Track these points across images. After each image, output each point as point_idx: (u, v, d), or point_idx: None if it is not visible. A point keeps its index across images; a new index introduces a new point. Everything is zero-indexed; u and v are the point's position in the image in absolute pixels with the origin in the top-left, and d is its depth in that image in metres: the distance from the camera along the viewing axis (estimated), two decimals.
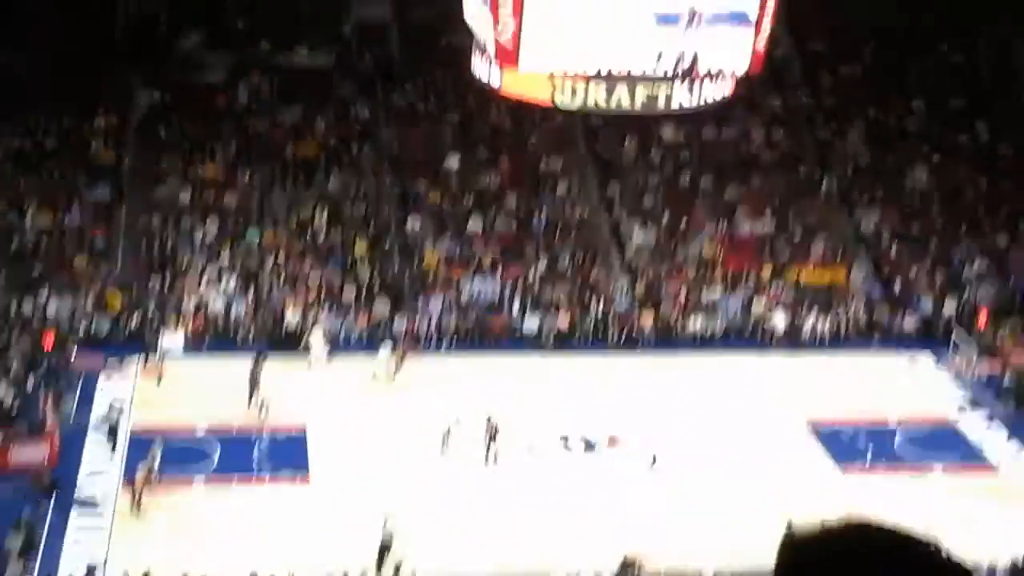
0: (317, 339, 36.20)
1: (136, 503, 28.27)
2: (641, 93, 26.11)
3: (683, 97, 26.53)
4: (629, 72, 25.44)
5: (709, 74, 26.00)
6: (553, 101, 26.31)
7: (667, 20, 24.83)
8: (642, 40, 24.89)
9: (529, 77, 25.62)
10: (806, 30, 50.30)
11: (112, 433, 31.46)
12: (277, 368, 34.16)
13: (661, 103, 26.42)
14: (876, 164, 46.41)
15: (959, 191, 45.64)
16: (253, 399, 32.95)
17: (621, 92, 26.20)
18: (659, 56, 25.04)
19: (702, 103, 27.07)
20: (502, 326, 38.77)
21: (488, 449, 31.20)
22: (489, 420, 31.44)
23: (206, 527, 28.01)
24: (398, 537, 26.58)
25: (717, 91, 27.14)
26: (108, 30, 46.43)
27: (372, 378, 35.00)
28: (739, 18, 25.47)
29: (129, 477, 29.06)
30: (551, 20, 24.61)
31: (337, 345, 37.10)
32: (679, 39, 25.02)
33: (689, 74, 25.60)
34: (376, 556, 26.41)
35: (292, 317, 37.65)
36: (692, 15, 24.76)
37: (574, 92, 25.85)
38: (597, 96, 25.97)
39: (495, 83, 26.46)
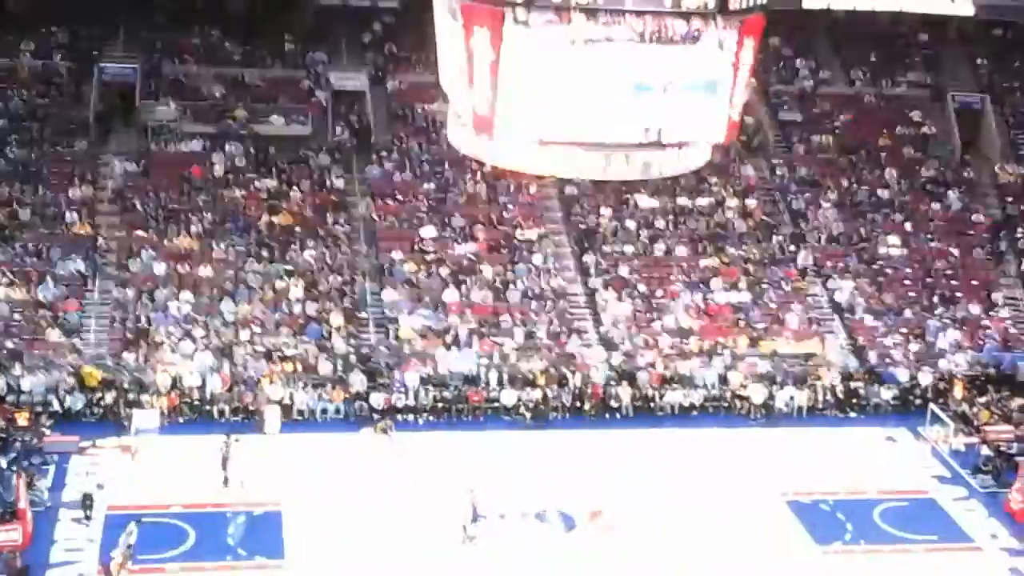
0: (272, 414, 35.98)
1: None
2: (618, 161, 26.42)
3: (661, 165, 26.90)
4: (602, 142, 25.71)
5: (679, 144, 26.27)
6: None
7: (641, 89, 25.03)
8: (616, 110, 25.08)
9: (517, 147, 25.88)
10: (779, 100, 50.82)
11: (87, 507, 31.18)
12: (252, 444, 33.92)
13: (639, 171, 26.78)
14: (849, 233, 46.71)
15: (932, 260, 45.95)
16: (226, 479, 32.75)
17: (598, 160, 26.51)
18: (631, 126, 25.27)
19: (680, 170, 27.44)
20: (479, 399, 38.64)
21: (472, 522, 31.00)
22: (471, 492, 31.28)
23: None
24: None
25: (693, 159, 27.47)
26: (83, 103, 46.34)
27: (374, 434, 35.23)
28: (711, 88, 25.73)
29: (104, 560, 28.67)
30: (527, 90, 24.74)
31: (314, 420, 36.95)
32: (652, 109, 25.25)
33: (658, 145, 25.82)
34: None
35: (269, 391, 37.45)
36: (664, 86, 25.02)
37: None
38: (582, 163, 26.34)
39: (483, 155, 26.69)
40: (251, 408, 37.01)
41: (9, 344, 38.02)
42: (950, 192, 48.95)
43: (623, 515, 32.29)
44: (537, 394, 38.58)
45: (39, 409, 35.78)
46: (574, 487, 33.68)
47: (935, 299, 44.34)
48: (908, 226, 47.20)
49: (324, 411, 37.67)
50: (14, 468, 32.07)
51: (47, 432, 34.69)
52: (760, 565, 30.01)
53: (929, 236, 47.08)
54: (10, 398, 36.14)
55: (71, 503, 31.86)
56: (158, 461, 34.11)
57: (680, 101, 25.17)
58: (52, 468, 33.42)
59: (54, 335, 38.51)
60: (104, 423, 35.83)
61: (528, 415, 38.07)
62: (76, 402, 36.44)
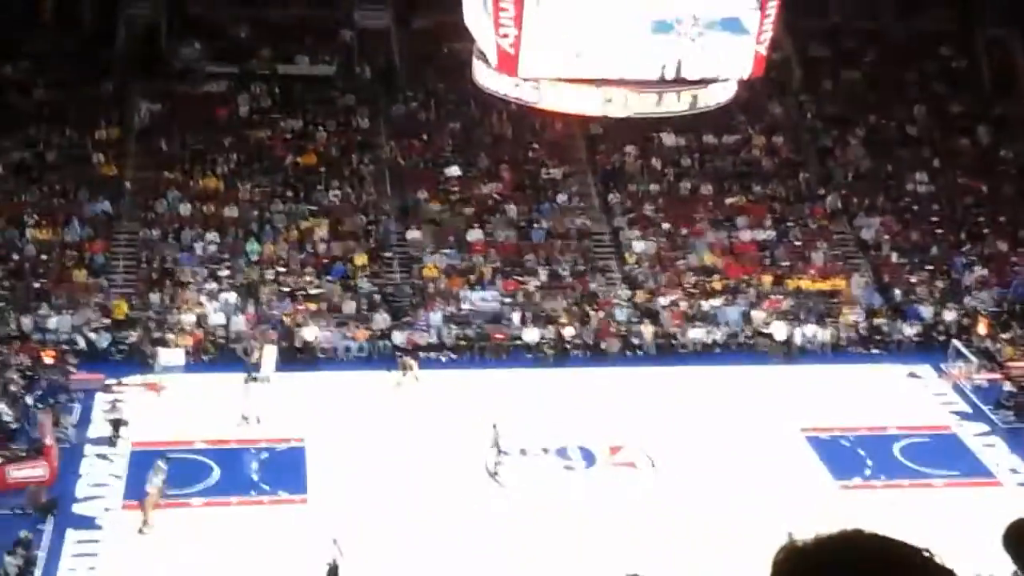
0: (269, 355, 36.00)
1: (145, 521, 28.32)
2: (642, 99, 26.34)
3: (684, 102, 26.83)
4: (624, 78, 25.63)
5: (703, 80, 26.13)
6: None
7: (663, 27, 24.89)
8: (640, 46, 24.97)
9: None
10: (807, 35, 50.26)
11: (116, 433, 31.84)
12: (278, 381, 34.28)
13: (665, 107, 26.76)
14: (876, 170, 46.37)
15: (959, 197, 45.58)
16: (246, 415, 33.15)
17: (625, 98, 26.44)
18: (656, 62, 25.15)
19: (705, 107, 27.33)
20: (502, 338, 38.77)
21: (496, 456, 31.24)
22: (495, 427, 31.54)
23: (204, 546, 28.01)
24: (344, 560, 26.48)
25: (719, 95, 27.33)
26: (109, 41, 46.45)
27: (396, 385, 35.27)
28: (734, 25, 25.52)
29: (136, 495, 29.08)
30: (552, 26, 24.71)
31: (337, 358, 37.26)
32: (676, 45, 25.10)
33: (679, 80, 25.71)
34: None
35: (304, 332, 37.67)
36: (688, 20, 24.85)
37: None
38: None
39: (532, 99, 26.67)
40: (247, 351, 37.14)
41: (36, 284, 38.41)
42: (979, 128, 48.41)
43: (644, 451, 32.47)
44: (560, 332, 38.63)
45: (65, 348, 36.19)
46: (595, 424, 33.86)
47: (962, 236, 44.02)
48: (936, 162, 46.78)
49: (348, 349, 37.92)
50: (40, 405, 32.59)
51: (73, 370, 35.12)
52: (779, 501, 30.06)
53: (957, 172, 46.65)
54: (36, 337, 36.55)
55: (97, 439, 32.33)
56: (182, 398, 34.50)
57: (702, 38, 25.03)
58: (78, 406, 33.89)
59: (81, 275, 38.88)
60: (129, 361, 36.20)
61: (551, 353, 38.16)
62: (102, 340, 36.83)
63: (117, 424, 32.20)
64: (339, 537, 26.62)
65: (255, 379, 34.12)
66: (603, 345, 38.66)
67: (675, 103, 27.02)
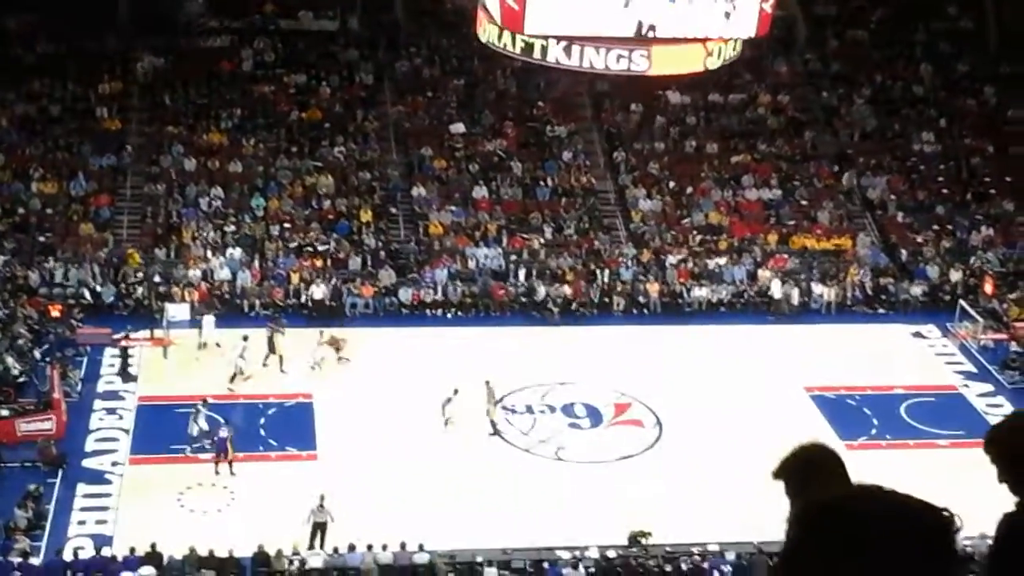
0: (208, 322, 35.42)
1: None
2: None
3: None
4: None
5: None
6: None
7: None
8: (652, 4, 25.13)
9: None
10: None
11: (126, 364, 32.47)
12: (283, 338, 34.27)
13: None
14: (883, 129, 46.25)
15: (966, 157, 45.48)
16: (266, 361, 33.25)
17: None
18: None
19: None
20: (506, 295, 38.73)
21: (489, 414, 31.29)
22: (488, 384, 31.54)
23: (212, 501, 28.08)
24: (345, 511, 26.61)
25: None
26: None
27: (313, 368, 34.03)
28: None
29: (143, 450, 29.29)
30: None
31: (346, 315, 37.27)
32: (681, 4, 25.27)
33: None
34: (310, 534, 26.46)
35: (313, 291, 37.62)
36: None
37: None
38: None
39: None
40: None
41: (41, 238, 38.32)
42: (986, 88, 48.24)
43: (649, 410, 32.53)
44: (566, 290, 38.60)
45: (71, 302, 36.11)
46: (601, 382, 33.88)
47: (968, 196, 43.96)
48: (942, 122, 46.65)
49: (353, 306, 37.86)
50: (48, 359, 32.55)
51: (79, 324, 35.08)
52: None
53: (964, 132, 46.53)
54: (43, 291, 36.48)
55: (105, 393, 32.34)
56: (189, 353, 34.44)
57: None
58: (85, 360, 33.87)
59: (86, 229, 38.78)
60: (136, 316, 36.13)
61: (556, 311, 38.14)
62: (108, 294, 36.77)
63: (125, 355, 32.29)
64: (340, 491, 26.74)
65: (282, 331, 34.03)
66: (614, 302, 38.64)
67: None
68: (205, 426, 29.57)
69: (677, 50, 26.75)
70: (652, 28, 25.61)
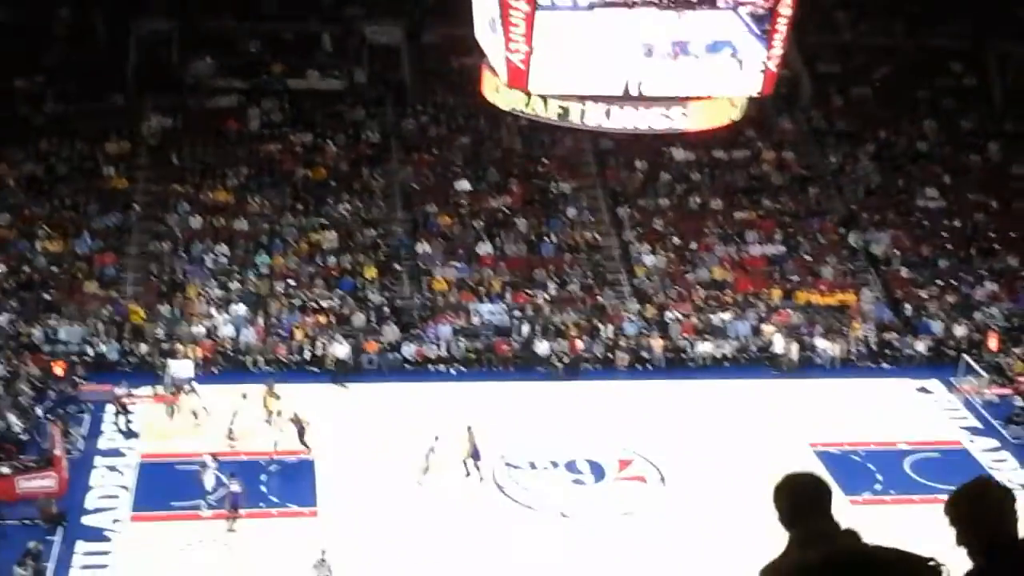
0: (183, 368, 35.57)
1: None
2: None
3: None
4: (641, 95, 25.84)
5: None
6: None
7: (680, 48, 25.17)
8: (648, 64, 25.13)
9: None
10: (816, 52, 50.29)
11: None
12: (285, 395, 34.25)
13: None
14: (887, 185, 46.36)
15: (970, 213, 45.53)
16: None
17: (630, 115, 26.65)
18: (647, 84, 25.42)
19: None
20: (509, 350, 38.73)
21: (468, 464, 31.22)
22: (469, 430, 31.51)
23: (213, 558, 27.98)
24: (346, 568, 26.47)
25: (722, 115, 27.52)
26: (121, 58, 46.59)
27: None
28: (725, 48, 25.84)
29: (146, 507, 29.22)
30: (563, 43, 24.84)
31: (347, 373, 37.23)
32: (683, 64, 25.31)
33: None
34: None
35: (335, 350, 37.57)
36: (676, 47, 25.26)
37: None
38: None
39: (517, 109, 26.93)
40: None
41: (46, 296, 38.47)
42: (990, 144, 48.37)
43: (653, 466, 32.42)
44: (570, 346, 38.57)
45: (75, 359, 36.20)
46: (605, 438, 33.81)
47: (972, 251, 43.95)
48: (947, 179, 46.75)
49: (371, 362, 37.77)
50: (50, 416, 32.58)
51: (82, 381, 35.14)
52: None
53: (968, 188, 46.60)
54: (46, 348, 36.58)
55: (106, 451, 32.34)
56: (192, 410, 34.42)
57: (693, 62, 25.41)
58: (87, 417, 33.90)
59: (91, 287, 38.94)
60: (139, 372, 36.17)
61: (560, 366, 38.11)
62: (111, 351, 36.86)
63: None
64: (341, 548, 26.64)
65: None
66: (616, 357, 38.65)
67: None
68: (213, 481, 29.47)
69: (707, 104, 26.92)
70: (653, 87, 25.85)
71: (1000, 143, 48.43)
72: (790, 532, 4.74)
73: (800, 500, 4.79)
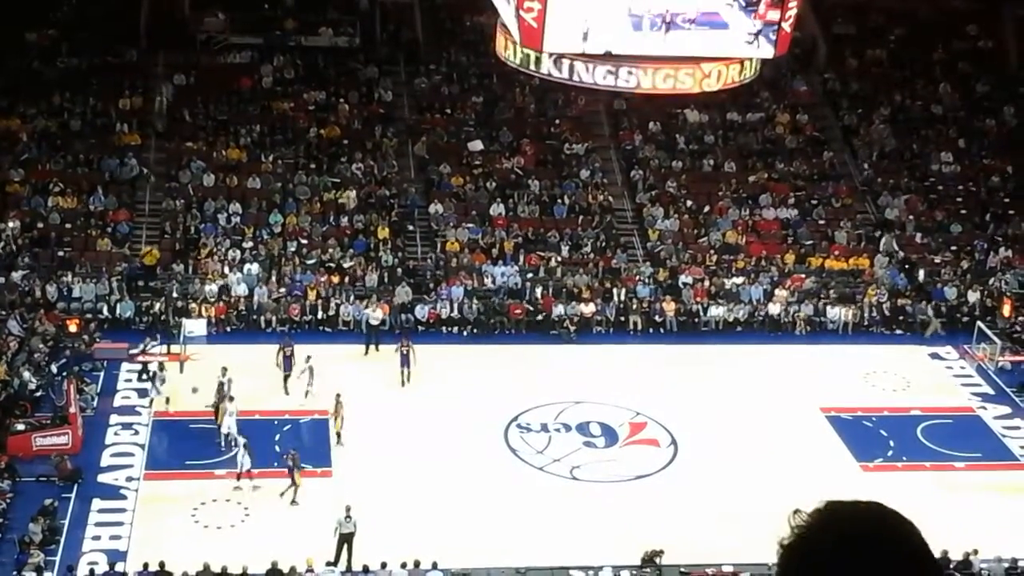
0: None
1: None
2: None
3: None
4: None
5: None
6: None
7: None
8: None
9: None
10: (832, 13, 49.93)
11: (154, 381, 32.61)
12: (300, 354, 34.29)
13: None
14: (901, 149, 46.15)
15: (984, 178, 45.31)
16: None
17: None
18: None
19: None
20: (522, 313, 38.69)
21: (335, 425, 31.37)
22: (308, 359, 32.66)
23: (228, 517, 28.12)
24: (360, 528, 26.61)
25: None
26: (134, 13, 46.32)
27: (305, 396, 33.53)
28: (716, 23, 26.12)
29: (157, 466, 29.32)
30: (576, 2, 24.93)
31: (359, 331, 37.22)
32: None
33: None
34: (336, 546, 26.48)
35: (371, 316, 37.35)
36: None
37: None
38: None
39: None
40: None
41: (60, 253, 38.49)
42: (1005, 108, 48.08)
43: (665, 429, 32.51)
44: (582, 308, 38.56)
45: (89, 316, 36.25)
46: (616, 401, 33.84)
47: (987, 216, 43.80)
48: (961, 142, 46.51)
49: (407, 322, 37.76)
50: (65, 374, 32.63)
51: (96, 339, 35.19)
52: (799, 480, 29.96)
53: (983, 152, 46.37)
54: (60, 305, 36.62)
55: (121, 408, 32.43)
56: (206, 369, 34.43)
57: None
58: (101, 374, 33.97)
59: (104, 244, 38.93)
60: (153, 331, 36.18)
61: (573, 329, 38.10)
62: (126, 309, 36.89)
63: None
64: (355, 508, 26.75)
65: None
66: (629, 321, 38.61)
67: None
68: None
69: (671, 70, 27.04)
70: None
71: (1015, 107, 48.08)
72: None
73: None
